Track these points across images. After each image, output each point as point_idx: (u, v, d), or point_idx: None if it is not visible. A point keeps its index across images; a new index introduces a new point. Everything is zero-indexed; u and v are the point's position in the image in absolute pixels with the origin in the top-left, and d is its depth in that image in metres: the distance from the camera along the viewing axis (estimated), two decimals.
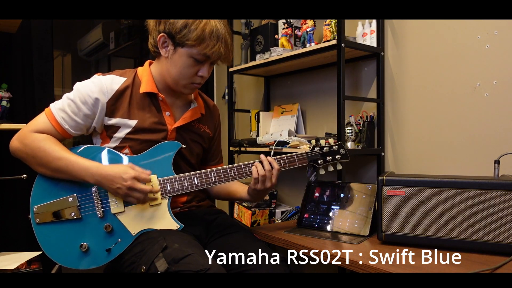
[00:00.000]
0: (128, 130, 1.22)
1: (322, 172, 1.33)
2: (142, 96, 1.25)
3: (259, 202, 1.98)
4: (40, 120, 1.19)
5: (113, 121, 1.21)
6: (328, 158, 1.32)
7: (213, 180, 1.23)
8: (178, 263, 0.99)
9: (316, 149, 1.32)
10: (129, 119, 1.22)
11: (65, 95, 1.21)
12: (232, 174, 1.24)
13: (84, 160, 1.14)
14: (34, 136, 1.16)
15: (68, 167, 1.13)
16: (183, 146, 1.26)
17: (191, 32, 1.15)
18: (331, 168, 1.34)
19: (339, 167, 1.35)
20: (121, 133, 1.22)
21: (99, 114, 1.20)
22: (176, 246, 1.04)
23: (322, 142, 1.34)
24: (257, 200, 1.40)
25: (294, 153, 1.30)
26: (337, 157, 1.32)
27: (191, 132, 1.33)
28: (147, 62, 1.32)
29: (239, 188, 1.39)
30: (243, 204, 2.03)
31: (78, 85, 1.21)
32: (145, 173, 1.15)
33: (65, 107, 1.19)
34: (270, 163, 1.24)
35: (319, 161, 1.31)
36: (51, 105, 1.21)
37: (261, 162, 1.24)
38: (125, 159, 1.21)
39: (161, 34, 1.19)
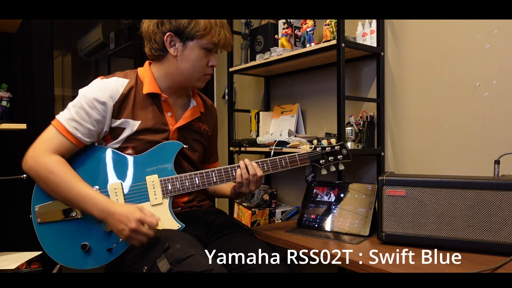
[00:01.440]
0: (132, 130, 1.22)
1: (324, 172, 1.33)
2: (145, 97, 1.25)
3: (259, 202, 1.98)
4: (51, 135, 1.15)
5: (118, 122, 1.21)
6: (330, 158, 1.32)
7: (214, 180, 1.23)
8: (180, 264, 0.99)
9: (318, 149, 1.32)
10: (133, 119, 1.22)
11: (70, 104, 1.18)
12: (233, 173, 1.24)
13: (94, 193, 1.11)
14: (47, 158, 1.12)
15: (78, 201, 1.11)
16: (185, 146, 1.26)
17: (199, 23, 1.19)
18: (333, 168, 1.34)
19: (341, 167, 1.35)
20: (125, 134, 1.22)
21: (108, 118, 1.19)
22: (178, 246, 1.04)
23: (324, 142, 1.34)
24: (239, 198, 1.44)
25: (296, 153, 1.30)
26: (339, 157, 1.32)
27: (192, 131, 1.34)
28: (146, 63, 1.32)
29: (226, 186, 1.41)
30: (243, 204, 2.03)
31: (83, 91, 1.19)
32: (152, 217, 1.08)
33: (74, 116, 1.16)
34: (254, 169, 1.24)
35: (321, 161, 1.31)
36: (57, 117, 1.17)
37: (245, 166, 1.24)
38: (128, 159, 1.21)
39: (168, 33, 1.20)
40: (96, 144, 1.26)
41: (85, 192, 1.11)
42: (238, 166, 1.24)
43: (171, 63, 1.24)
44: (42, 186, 1.15)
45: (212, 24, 1.20)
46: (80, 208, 1.13)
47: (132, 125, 1.21)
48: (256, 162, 1.26)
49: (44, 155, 1.13)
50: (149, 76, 1.27)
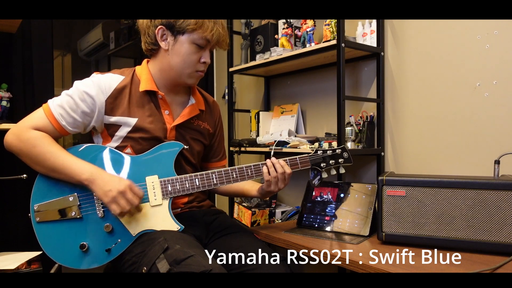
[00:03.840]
0: (129, 128, 1.22)
1: (324, 175, 1.32)
2: (142, 94, 1.25)
3: (259, 202, 1.98)
4: (38, 116, 1.18)
5: (114, 119, 1.21)
6: (331, 162, 1.31)
7: (214, 182, 1.23)
8: (180, 264, 0.99)
9: (319, 152, 1.31)
10: (129, 117, 1.22)
11: (64, 92, 1.21)
12: (234, 176, 1.24)
13: (80, 160, 1.14)
14: (30, 133, 1.15)
15: (64, 167, 1.13)
16: (186, 147, 1.26)
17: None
18: (333, 172, 1.33)
19: (342, 170, 1.34)
20: (122, 132, 1.22)
21: (98, 112, 1.20)
22: (178, 247, 1.04)
23: (325, 145, 1.34)
24: (267, 197, 1.43)
25: (297, 157, 1.29)
26: (340, 160, 1.32)
27: (191, 130, 1.33)
28: (144, 61, 1.32)
29: (249, 186, 1.40)
30: (243, 204, 2.03)
31: (77, 83, 1.21)
32: (139, 189, 1.15)
33: (63, 104, 1.18)
34: (282, 167, 1.25)
35: (321, 165, 1.31)
36: (50, 101, 1.21)
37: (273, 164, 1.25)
38: (128, 159, 1.21)
39: (159, 26, 1.20)
40: (95, 143, 1.27)
41: (71, 160, 1.14)
42: (242, 168, 1.24)
43: (164, 58, 1.24)
44: (26, 160, 1.17)
45: (205, 20, 1.18)
46: (67, 177, 1.14)
47: (129, 123, 1.21)
48: (256, 164, 1.26)
49: (27, 131, 1.15)
50: (146, 74, 1.27)
